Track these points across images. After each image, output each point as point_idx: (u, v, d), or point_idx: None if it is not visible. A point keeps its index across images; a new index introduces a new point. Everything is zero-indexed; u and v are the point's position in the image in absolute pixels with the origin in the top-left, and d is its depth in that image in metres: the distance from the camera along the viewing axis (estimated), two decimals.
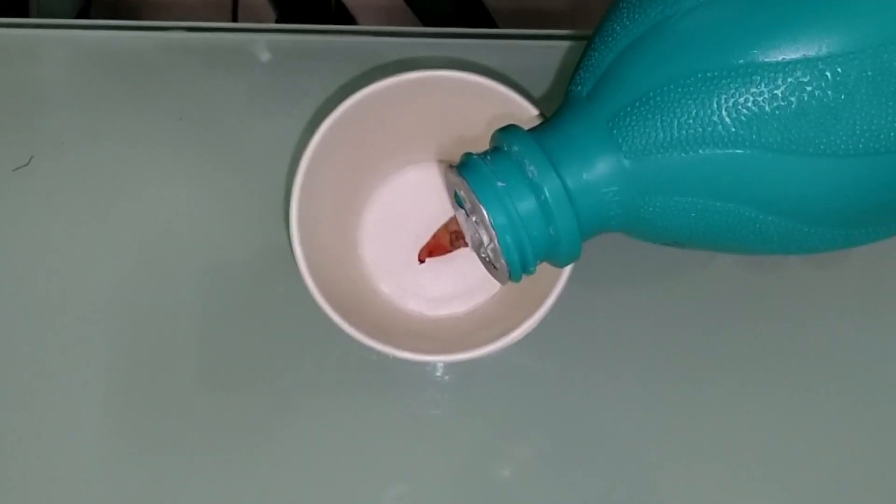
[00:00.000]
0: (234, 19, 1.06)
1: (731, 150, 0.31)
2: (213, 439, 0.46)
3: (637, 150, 0.33)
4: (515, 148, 0.34)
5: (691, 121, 0.31)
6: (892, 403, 0.46)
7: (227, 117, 0.48)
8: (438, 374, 0.46)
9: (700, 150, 0.32)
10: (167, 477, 0.46)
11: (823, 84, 0.30)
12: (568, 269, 0.38)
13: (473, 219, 0.36)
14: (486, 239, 0.36)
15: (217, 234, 0.47)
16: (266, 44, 0.48)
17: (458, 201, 0.37)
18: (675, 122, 0.32)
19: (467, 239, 0.39)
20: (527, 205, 0.34)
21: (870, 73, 0.29)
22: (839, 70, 0.30)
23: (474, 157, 0.35)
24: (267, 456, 0.46)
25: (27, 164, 0.47)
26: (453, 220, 0.44)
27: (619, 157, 0.33)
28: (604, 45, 0.35)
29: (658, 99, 0.32)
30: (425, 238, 0.44)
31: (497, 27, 0.73)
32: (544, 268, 0.40)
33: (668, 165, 0.32)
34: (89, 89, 0.48)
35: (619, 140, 0.33)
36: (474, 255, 0.44)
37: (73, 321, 0.46)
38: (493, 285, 0.45)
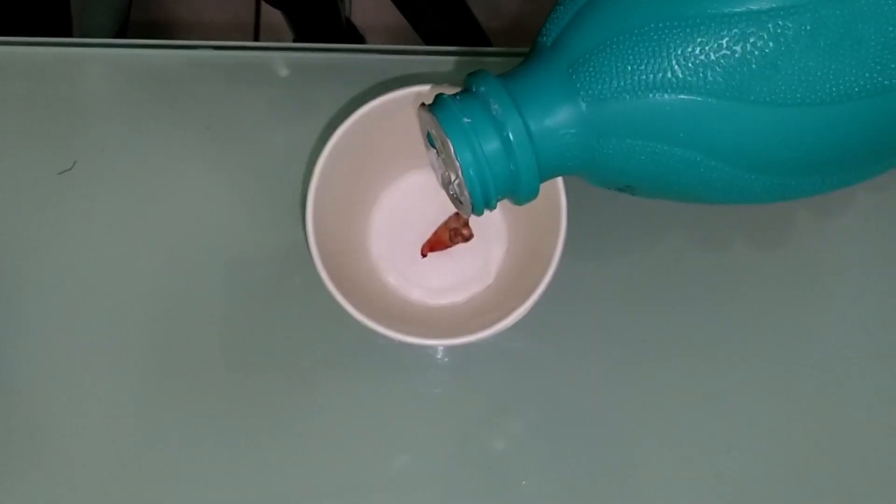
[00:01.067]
0: (256, 38, 1.05)
1: (679, 96, 0.31)
2: (236, 415, 0.46)
3: (594, 95, 0.32)
4: (482, 89, 0.34)
5: (644, 67, 0.31)
6: (838, 375, 0.45)
7: (250, 126, 0.48)
8: (439, 356, 0.47)
9: (651, 95, 0.31)
10: (195, 447, 0.46)
11: (765, 35, 0.29)
12: (555, 261, 0.38)
13: (442, 156, 0.35)
14: (453, 175, 0.35)
15: (240, 230, 0.47)
16: (284, 60, 0.48)
17: (430, 141, 0.37)
18: (629, 69, 0.31)
19: (437, 177, 0.38)
20: (490, 140, 0.33)
21: (808, 28, 0.29)
22: (780, 23, 0.29)
23: (444, 96, 0.34)
24: (285, 430, 0.46)
25: (71, 169, 0.47)
26: (452, 218, 0.45)
27: (577, 101, 0.33)
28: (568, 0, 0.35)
29: (614, 47, 0.32)
30: (427, 235, 0.45)
31: (491, 45, 0.73)
32: (536, 260, 0.40)
33: (621, 109, 0.32)
34: (126, 101, 0.48)
35: (578, 85, 0.33)
36: (472, 249, 0.45)
37: (112, 308, 0.46)
38: (488, 277, 0.45)
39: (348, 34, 0.85)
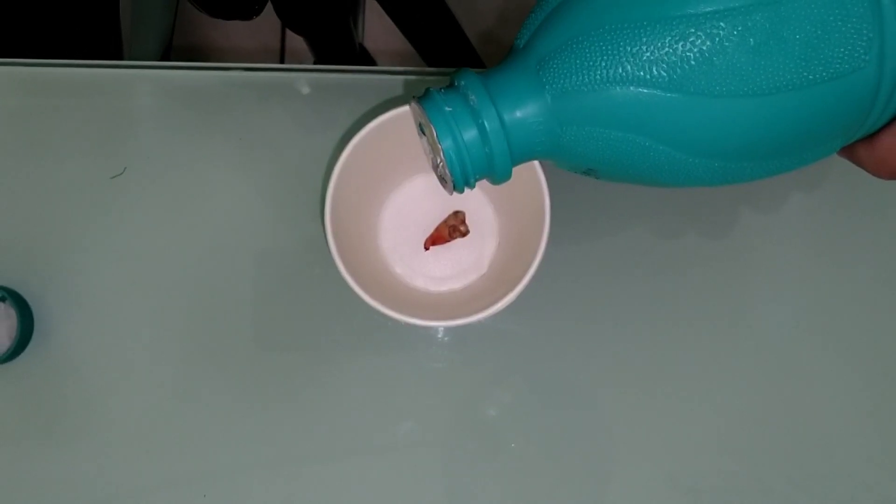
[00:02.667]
0: (282, 61, 1.04)
1: (629, 88, 0.31)
2: (264, 386, 0.46)
3: (557, 89, 0.32)
4: (462, 83, 0.34)
5: (598, 64, 0.31)
6: (772, 339, 0.46)
7: (276, 137, 0.48)
8: (440, 335, 0.47)
9: (605, 88, 0.31)
10: (228, 414, 0.46)
11: (702, 36, 0.29)
12: (540, 255, 0.38)
13: (429, 142, 0.35)
14: (438, 158, 0.35)
15: (267, 226, 0.47)
16: (306, 80, 0.48)
17: (420, 129, 0.36)
18: (587, 66, 0.31)
19: (428, 162, 0.38)
20: (467, 126, 0.33)
21: (740, 29, 0.29)
22: (715, 25, 0.29)
23: (431, 89, 0.34)
24: (306, 399, 0.46)
25: (122, 174, 0.47)
26: (451, 216, 0.45)
27: (543, 95, 0.33)
28: (539, 7, 0.34)
29: (574, 47, 0.32)
30: (429, 231, 0.45)
31: (484, 66, 0.73)
32: (523, 253, 0.40)
33: (581, 101, 0.32)
34: (170, 115, 0.48)
35: (544, 80, 0.33)
36: (468, 243, 0.45)
37: (157, 293, 0.47)
38: (482, 267, 0.45)
39: (361, 57, 0.85)
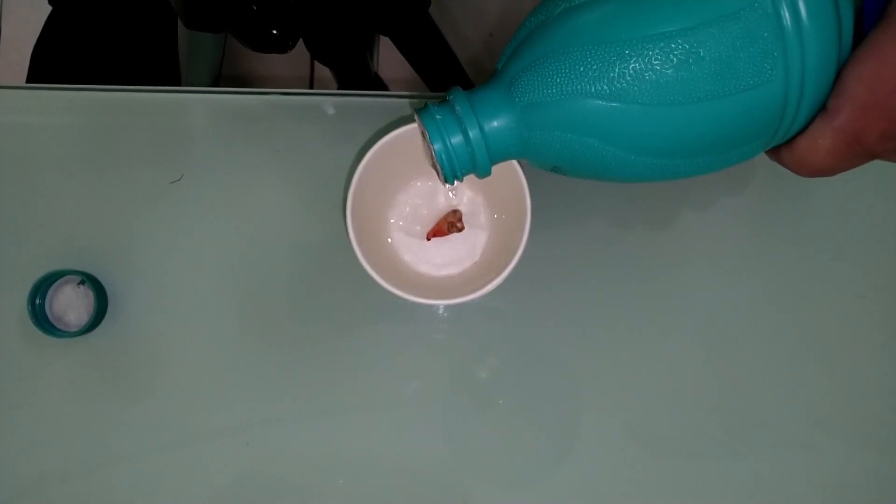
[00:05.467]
0: (311, 87, 1.04)
1: (578, 99, 0.31)
2: (296, 352, 0.46)
3: (525, 101, 0.33)
4: (451, 97, 0.34)
5: (553, 80, 0.31)
6: (710, 318, 0.45)
7: (307, 149, 0.47)
8: (440, 312, 0.47)
9: (561, 100, 0.31)
10: (270, 375, 0.46)
11: (635, 56, 0.29)
12: (521, 248, 0.38)
13: (427, 143, 0.36)
14: (432, 157, 0.35)
15: (299, 223, 0.47)
16: (332, 103, 0.48)
17: (423, 136, 0.37)
18: (545, 82, 0.32)
19: (428, 160, 0.38)
20: (453, 131, 0.34)
21: (664, 50, 0.29)
22: (644, 47, 0.29)
23: (429, 103, 0.35)
24: (329, 363, 0.46)
25: (179, 179, 0.47)
26: (450, 213, 0.44)
27: (514, 106, 0.33)
28: (514, 37, 0.35)
29: (536, 68, 0.32)
30: (431, 225, 0.45)
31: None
32: (509, 245, 0.40)
33: (543, 110, 0.32)
34: (219, 131, 0.48)
35: (514, 95, 0.33)
36: (464, 236, 0.44)
37: (210, 279, 0.47)
38: (476, 256, 0.44)
39: (376, 84, 0.85)
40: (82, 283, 0.46)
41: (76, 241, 0.47)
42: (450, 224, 0.44)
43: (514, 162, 0.39)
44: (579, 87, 0.31)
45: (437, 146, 0.34)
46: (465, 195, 0.45)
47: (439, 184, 0.45)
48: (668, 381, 0.45)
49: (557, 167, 0.35)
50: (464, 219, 0.45)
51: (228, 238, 0.47)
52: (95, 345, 0.46)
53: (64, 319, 0.46)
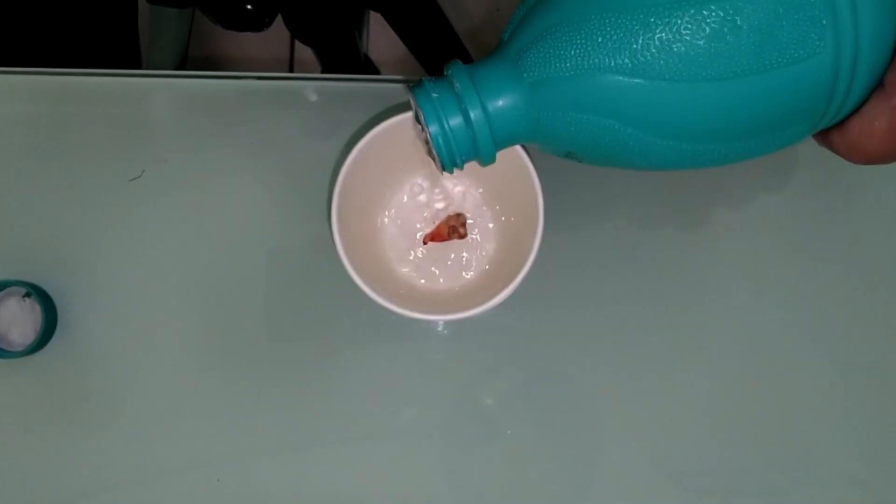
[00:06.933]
0: (291, 70, 1.05)
1: (596, 75, 0.31)
2: (274, 376, 0.46)
3: (534, 77, 0.32)
4: (450, 72, 0.34)
5: (567, 53, 0.31)
6: (735, 321, 0.45)
7: (286, 142, 0.47)
8: (440, 329, 0.46)
9: (576, 76, 0.31)
10: (244, 400, 0.46)
11: (661, 24, 0.29)
12: (533, 253, 0.38)
13: (422, 126, 0.35)
14: (428, 141, 0.35)
15: (277, 226, 0.47)
16: (314, 88, 0.48)
17: (417, 119, 0.36)
18: (559, 55, 0.31)
19: (422, 146, 0.38)
20: (452, 110, 0.33)
21: (696, 17, 0.29)
22: (672, 14, 0.29)
23: (423, 79, 0.35)
24: (313, 388, 0.46)
25: (140, 176, 0.47)
26: (453, 217, 0.44)
27: (522, 82, 0.33)
28: (523, 2, 0.35)
29: (546, 38, 0.32)
30: (427, 228, 0.45)
31: None
32: (517, 254, 0.40)
33: (555, 88, 0.32)
34: (185, 121, 0.48)
35: (522, 69, 0.33)
36: (468, 245, 0.44)
37: (174, 290, 0.46)
38: (481, 265, 0.44)
39: (366, 67, 0.85)
40: (28, 295, 0.45)
41: (20, 248, 0.46)
42: (451, 228, 0.44)
43: (526, 157, 0.39)
44: (597, 60, 0.30)
45: (434, 128, 0.34)
46: (466, 195, 0.45)
47: (439, 183, 0.45)
48: (701, 407, 0.45)
49: (572, 153, 0.35)
50: (469, 224, 0.45)
51: (196, 244, 0.46)
52: (43, 366, 0.46)
53: (7, 338, 0.45)
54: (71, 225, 0.46)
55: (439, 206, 0.45)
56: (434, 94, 0.34)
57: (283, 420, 0.46)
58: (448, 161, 0.35)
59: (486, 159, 0.35)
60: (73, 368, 0.46)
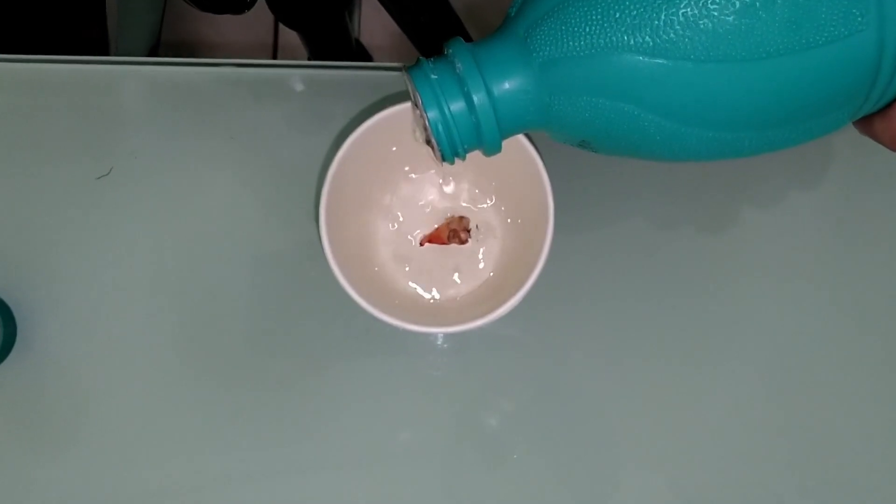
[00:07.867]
0: (275, 57, 1.06)
1: (613, 55, 0.30)
2: (257, 392, 0.46)
3: (544, 57, 0.32)
4: (451, 51, 0.34)
5: (582, 30, 0.31)
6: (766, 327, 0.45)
7: (269, 136, 0.47)
8: (439, 342, 0.46)
9: (591, 56, 0.31)
10: (224, 420, 0.46)
11: (693, 1, 0.29)
12: (543, 258, 0.38)
13: (419, 112, 0.35)
14: (427, 129, 0.35)
15: (260, 229, 0.47)
16: (300, 77, 0.48)
17: (415, 104, 0.36)
18: (571, 33, 0.31)
19: (420, 134, 0.38)
20: (453, 93, 0.33)
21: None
22: None
23: (421, 59, 0.34)
24: (299, 406, 0.46)
25: (108, 174, 0.47)
26: (455, 220, 0.45)
27: (530, 62, 0.32)
28: None
29: (558, 14, 0.31)
30: (424, 230, 0.45)
31: None
32: (524, 261, 0.40)
33: (567, 69, 0.32)
34: (158, 113, 0.48)
35: (531, 48, 0.32)
36: (469, 253, 0.45)
37: (147, 298, 0.46)
38: (484, 272, 0.44)
39: (357, 53, 0.85)
40: None
41: None
42: (452, 232, 0.44)
43: (534, 152, 0.39)
44: (614, 38, 0.30)
45: (433, 114, 0.33)
46: (470, 195, 0.45)
47: (439, 182, 0.45)
48: (726, 427, 0.45)
49: (585, 142, 0.35)
50: (472, 228, 0.45)
51: (170, 250, 0.46)
52: (2, 383, 0.46)
53: None
54: (31, 229, 0.46)
55: (440, 206, 0.45)
56: (433, 76, 0.33)
57: (265, 443, 0.45)
58: (448, 150, 0.34)
59: (491, 148, 0.35)
60: (34, 387, 0.46)
